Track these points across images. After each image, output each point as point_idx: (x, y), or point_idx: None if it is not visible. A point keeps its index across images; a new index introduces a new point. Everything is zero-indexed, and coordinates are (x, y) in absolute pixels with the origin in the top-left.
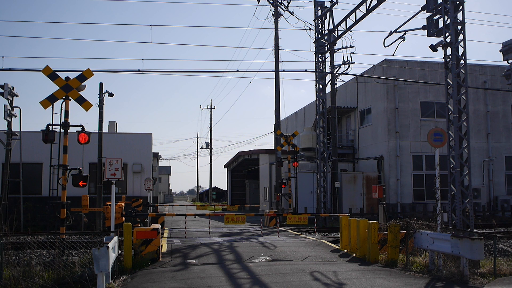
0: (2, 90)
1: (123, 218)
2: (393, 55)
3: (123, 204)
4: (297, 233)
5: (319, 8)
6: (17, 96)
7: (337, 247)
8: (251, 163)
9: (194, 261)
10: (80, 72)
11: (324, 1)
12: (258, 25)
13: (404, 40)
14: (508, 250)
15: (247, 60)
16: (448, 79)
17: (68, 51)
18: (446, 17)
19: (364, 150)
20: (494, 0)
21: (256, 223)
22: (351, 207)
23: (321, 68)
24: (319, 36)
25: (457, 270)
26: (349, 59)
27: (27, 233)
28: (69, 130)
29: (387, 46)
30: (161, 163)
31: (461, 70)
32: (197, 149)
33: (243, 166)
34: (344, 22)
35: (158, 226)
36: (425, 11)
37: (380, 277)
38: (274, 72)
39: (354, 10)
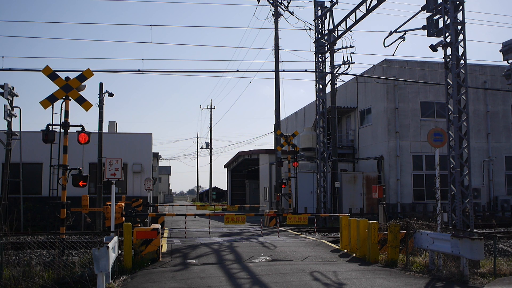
0: (2, 90)
1: (123, 218)
2: (393, 55)
3: (123, 204)
4: (297, 233)
5: (319, 8)
6: (17, 96)
7: (337, 247)
8: (251, 163)
9: (194, 261)
10: (80, 72)
11: (324, 1)
12: (258, 25)
13: (404, 40)
14: (508, 250)
15: (247, 60)
16: (448, 79)
17: (68, 51)
18: (446, 17)
19: (364, 150)
20: (494, 0)
21: (256, 223)
22: (351, 207)
23: (321, 68)
24: (319, 36)
25: (457, 270)
26: (349, 59)
27: (27, 233)
28: (69, 130)
29: (387, 46)
30: (161, 163)
31: (461, 70)
32: (197, 149)
33: (243, 166)
34: (344, 22)
35: (158, 226)
36: (425, 11)
37: (380, 277)
38: (274, 72)
39: (354, 10)
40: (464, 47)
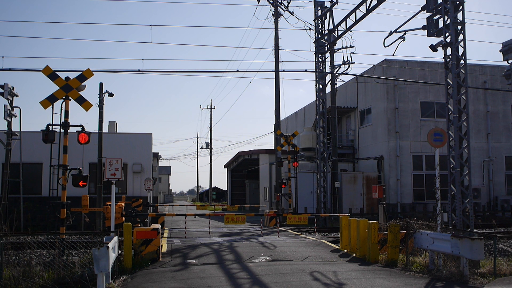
0: (2, 90)
1: (123, 218)
2: (393, 55)
3: (123, 204)
4: (297, 233)
5: (319, 8)
6: (17, 96)
7: (337, 247)
8: (251, 163)
9: (194, 261)
10: (80, 72)
11: (324, 1)
12: (258, 25)
13: (404, 40)
14: (508, 250)
15: (247, 60)
16: (448, 79)
17: (68, 51)
18: (446, 17)
19: (364, 150)
20: (493, 0)
21: (256, 223)
22: (351, 207)
23: (321, 68)
24: (319, 36)
25: (457, 270)
26: (349, 59)
27: (27, 233)
28: (69, 130)
29: (387, 46)
30: (161, 163)
31: (461, 70)
32: (197, 149)
33: (243, 166)
34: (344, 22)
35: (158, 226)
36: (425, 11)
37: (380, 277)
38: (274, 72)
39: (354, 10)
40: (464, 47)
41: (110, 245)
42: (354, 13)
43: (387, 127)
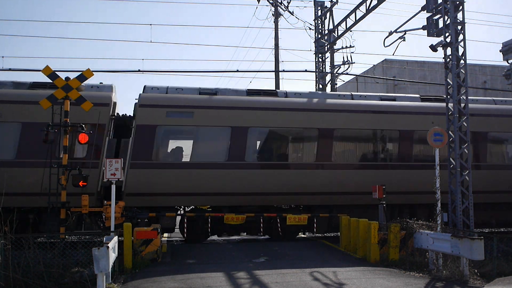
0: None
1: (123, 218)
2: (393, 55)
3: (123, 203)
4: None
5: (319, 8)
6: None
7: (337, 247)
8: None
9: (194, 261)
10: (80, 72)
11: (324, 1)
12: (258, 25)
13: (404, 40)
14: (508, 250)
15: (247, 60)
16: (448, 79)
17: (67, 51)
18: (446, 17)
19: None
20: (493, 0)
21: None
22: None
23: (321, 68)
24: (319, 36)
25: (457, 270)
26: (349, 59)
27: (27, 233)
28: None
29: (387, 46)
30: None
31: (461, 70)
32: None
33: None
34: (344, 22)
35: (158, 226)
36: (425, 11)
37: (380, 277)
38: (274, 72)
39: (354, 10)
40: (464, 47)
41: (110, 245)
42: (354, 13)
43: None
